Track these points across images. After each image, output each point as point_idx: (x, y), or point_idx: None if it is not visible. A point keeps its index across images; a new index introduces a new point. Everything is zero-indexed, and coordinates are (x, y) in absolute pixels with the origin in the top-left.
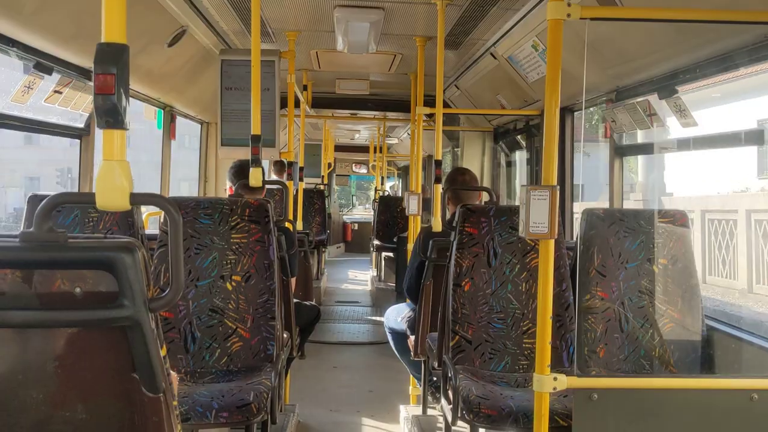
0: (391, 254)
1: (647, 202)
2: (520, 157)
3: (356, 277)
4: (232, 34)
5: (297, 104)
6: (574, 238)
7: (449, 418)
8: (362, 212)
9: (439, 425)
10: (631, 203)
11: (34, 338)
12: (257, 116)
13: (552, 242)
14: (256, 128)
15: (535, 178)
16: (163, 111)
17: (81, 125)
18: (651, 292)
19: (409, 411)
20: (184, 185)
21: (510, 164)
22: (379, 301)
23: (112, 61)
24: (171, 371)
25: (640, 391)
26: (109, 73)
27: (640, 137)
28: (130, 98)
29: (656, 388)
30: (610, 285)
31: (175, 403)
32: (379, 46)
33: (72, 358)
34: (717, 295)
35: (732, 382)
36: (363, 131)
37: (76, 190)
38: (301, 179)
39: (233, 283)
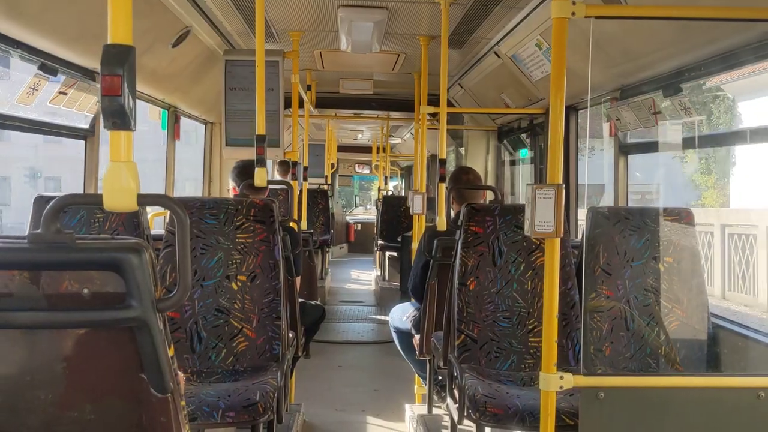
0: (394, 254)
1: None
2: (525, 155)
3: (360, 277)
4: (236, 34)
5: (301, 104)
6: (579, 237)
7: (455, 417)
8: (364, 213)
9: (444, 424)
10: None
11: (42, 339)
12: (262, 116)
13: (557, 241)
14: (260, 128)
15: (539, 177)
16: (167, 111)
17: (86, 126)
18: (657, 291)
19: (414, 410)
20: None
21: (514, 163)
22: (384, 301)
23: (119, 63)
24: (178, 371)
25: (647, 389)
26: (116, 75)
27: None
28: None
29: (662, 387)
30: (616, 283)
31: (182, 403)
32: (382, 46)
33: (80, 359)
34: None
35: (738, 381)
36: (366, 131)
37: (44, 191)
38: (305, 179)
39: (239, 283)
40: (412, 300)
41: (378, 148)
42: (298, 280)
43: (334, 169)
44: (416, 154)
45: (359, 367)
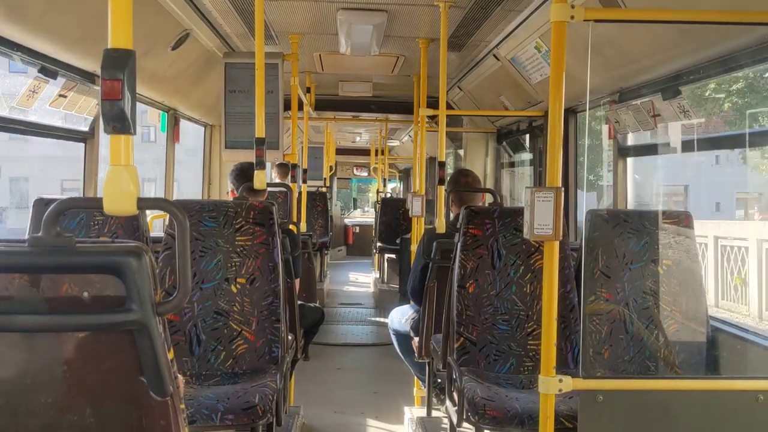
0: (393, 256)
1: None
2: (524, 158)
3: (358, 280)
4: (236, 37)
5: (300, 107)
6: (578, 240)
7: (454, 420)
8: (362, 215)
9: (444, 427)
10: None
11: (41, 342)
12: (261, 119)
13: (556, 243)
14: (260, 131)
15: (539, 180)
16: (167, 114)
17: (85, 129)
18: (656, 293)
19: (413, 412)
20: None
21: (513, 165)
22: (383, 303)
23: (119, 67)
24: (177, 374)
25: (646, 392)
26: (116, 79)
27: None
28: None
29: (662, 390)
30: (615, 286)
31: (182, 406)
32: (381, 48)
33: (80, 362)
34: None
35: (737, 384)
36: (365, 134)
37: (8, 193)
38: (304, 181)
39: (238, 286)
40: (411, 302)
41: (376, 151)
42: (297, 282)
43: (332, 172)
44: (415, 157)
45: (358, 369)
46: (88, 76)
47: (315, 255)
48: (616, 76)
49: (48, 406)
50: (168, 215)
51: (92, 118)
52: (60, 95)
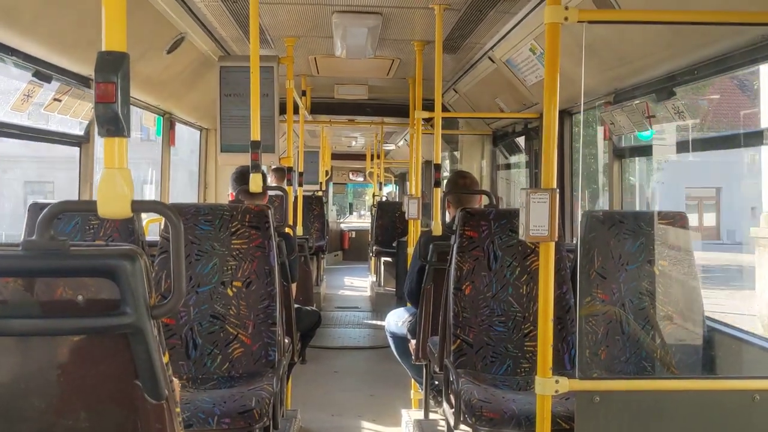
0: (390, 259)
1: None
2: (520, 160)
3: (355, 284)
4: (231, 40)
5: (296, 110)
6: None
7: (451, 422)
8: (358, 219)
9: (441, 429)
10: None
11: (36, 346)
12: (256, 122)
13: (552, 245)
14: (255, 134)
15: (534, 181)
16: (162, 118)
17: (80, 133)
18: (652, 294)
19: (411, 415)
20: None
21: (509, 167)
22: (379, 306)
23: (113, 70)
24: (173, 378)
25: (642, 393)
26: (110, 82)
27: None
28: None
29: (658, 390)
30: (611, 287)
31: (178, 410)
32: (377, 51)
33: (74, 366)
34: None
35: (734, 383)
36: (360, 138)
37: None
38: (300, 184)
39: (234, 289)
40: (408, 305)
41: (372, 155)
42: (293, 285)
43: (328, 177)
44: (411, 159)
45: (355, 372)
46: (83, 80)
47: (311, 258)
48: (610, 77)
49: (42, 410)
50: (164, 219)
51: (87, 122)
52: (54, 99)
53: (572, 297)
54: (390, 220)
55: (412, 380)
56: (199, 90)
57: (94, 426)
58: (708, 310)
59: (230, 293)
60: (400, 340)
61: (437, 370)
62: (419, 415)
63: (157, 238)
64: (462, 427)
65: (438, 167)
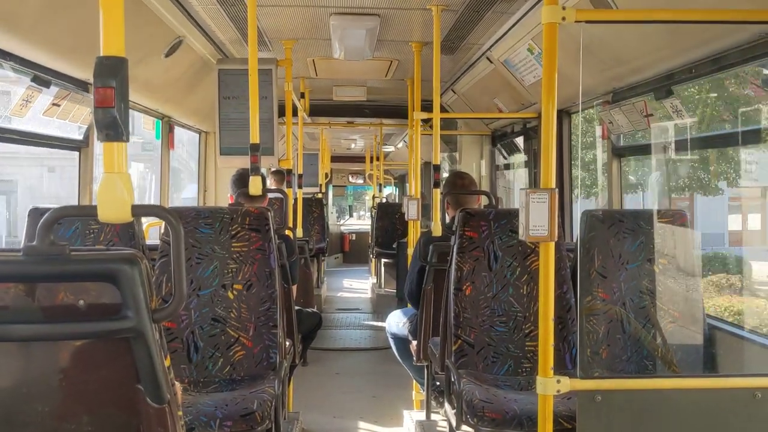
0: (390, 260)
1: None
2: (519, 160)
3: (355, 287)
4: (229, 43)
5: (295, 112)
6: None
7: (453, 423)
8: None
9: (443, 430)
10: None
11: (38, 351)
12: (255, 125)
13: (552, 245)
14: (254, 137)
15: (533, 181)
16: (161, 121)
17: (79, 137)
18: (652, 293)
19: (413, 416)
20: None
21: (508, 167)
22: (380, 308)
23: (112, 75)
24: (175, 381)
25: (644, 391)
26: (109, 87)
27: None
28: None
29: (660, 389)
30: (611, 286)
31: (180, 413)
32: (375, 53)
33: (76, 371)
34: None
35: (735, 381)
36: (359, 140)
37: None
38: (300, 187)
39: (234, 292)
40: (409, 306)
41: (372, 157)
42: (294, 288)
43: (328, 179)
44: (410, 161)
45: (357, 373)
46: (82, 85)
47: (312, 261)
48: (608, 76)
49: (45, 414)
50: (164, 223)
51: (86, 126)
52: (53, 104)
53: (573, 296)
54: (390, 221)
55: (414, 381)
56: (197, 93)
57: (96, 430)
58: None
59: (231, 296)
60: (401, 341)
61: (438, 370)
62: (421, 416)
63: (157, 241)
64: (464, 427)
65: (437, 168)
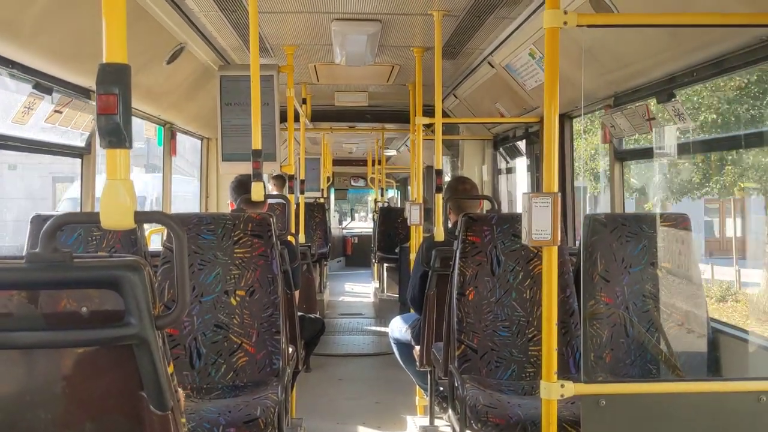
0: (393, 265)
1: None
2: (521, 164)
3: (358, 291)
4: (231, 50)
5: (296, 118)
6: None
7: (457, 428)
8: (361, 225)
9: None
10: None
11: (41, 359)
12: (257, 131)
13: (555, 249)
14: (256, 143)
15: (536, 186)
16: (163, 128)
17: (81, 144)
18: (655, 296)
19: (416, 422)
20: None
21: (510, 171)
22: (383, 313)
23: (114, 82)
24: (178, 388)
25: (648, 395)
26: (112, 94)
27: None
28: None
29: (664, 393)
30: (615, 290)
31: (183, 420)
32: (376, 58)
33: (79, 378)
34: None
35: (739, 385)
36: (361, 144)
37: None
38: (302, 192)
39: (237, 298)
40: (412, 311)
41: (373, 161)
42: (296, 293)
43: (330, 183)
44: (412, 165)
45: (360, 379)
46: (84, 92)
47: (314, 266)
48: (610, 80)
49: (48, 422)
50: (166, 230)
51: (88, 133)
52: (55, 111)
53: (576, 301)
54: (392, 226)
55: (417, 387)
56: (199, 100)
57: None
58: None
59: (234, 302)
60: (404, 347)
61: (442, 375)
62: (424, 421)
63: (159, 248)
64: None
65: (439, 173)
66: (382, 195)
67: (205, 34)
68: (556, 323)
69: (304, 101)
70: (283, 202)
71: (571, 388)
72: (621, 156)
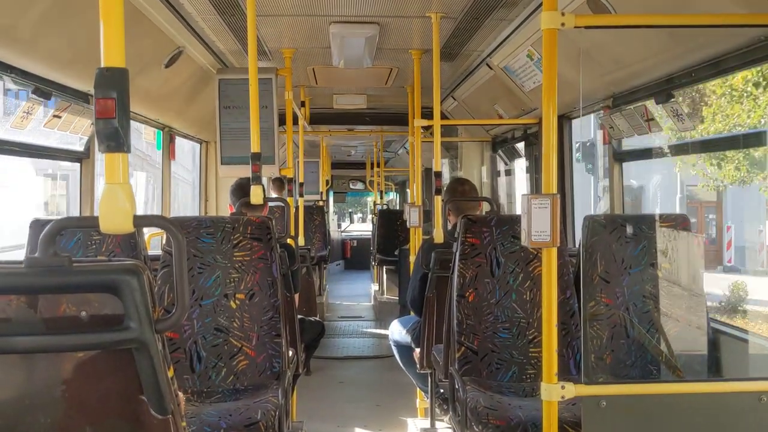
0: (392, 267)
1: None
2: (520, 165)
3: (357, 293)
4: (229, 53)
5: (295, 120)
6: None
7: (458, 430)
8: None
9: None
10: None
11: (40, 363)
12: (256, 134)
13: (554, 250)
14: (255, 146)
15: (535, 187)
16: (162, 131)
17: (80, 148)
18: (655, 297)
19: (417, 424)
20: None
21: (509, 173)
22: (383, 315)
23: (112, 86)
24: (178, 392)
25: (649, 396)
26: (110, 98)
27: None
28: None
29: (665, 393)
30: (615, 291)
31: (183, 424)
32: (375, 61)
33: (79, 382)
34: None
35: (740, 385)
36: (360, 147)
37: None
38: (301, 195)
39: (237, 302)
40: (411, 313)
41: (372, 164)
42: (296, 296)
43: (329, 186)
44: (411, 168)
45: (360, 382)
46: (83, 96)
47: (314, 269)
48: (608, 81)
49: (47, 426)
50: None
51: (87, 138)
52: (54, 116)
53: (576, 302)
54: (391, 228)
55: (417, 389)
56: (198, 103)
57: None
58: None
59: (233, 305)
60: (405, 349)
61: (442, 378)
62: (425, 423)
63: (159, 252)
64: None
65: (438, 175)
66: (381, 198)
67: (203, 37)
68: (556, 324)
69: (302, 104)
70: (283, 205)
71: (571, 390)
72: (620, 157)
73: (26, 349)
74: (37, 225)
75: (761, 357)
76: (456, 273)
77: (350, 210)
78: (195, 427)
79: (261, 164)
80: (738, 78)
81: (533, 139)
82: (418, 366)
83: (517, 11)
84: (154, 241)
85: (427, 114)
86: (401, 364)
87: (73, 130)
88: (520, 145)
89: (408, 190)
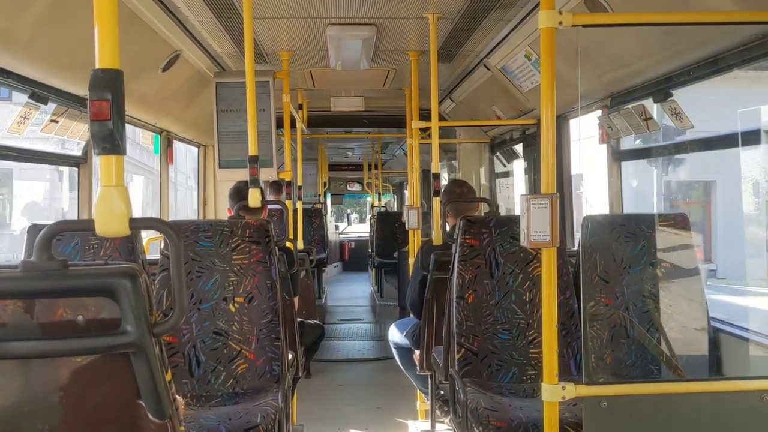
0: (391, 269)
1: None
2: (518, 166)
3: (356, 296)
4: (226, 56)
5: (293, 123)
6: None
7: None
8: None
9: None
10: None
11: (37, 368)
12: (254, 137)
13: (554, 250)
14: (253, 149)
15: (534, 188)
16: (159, 136)
17: (78, 153)
18: (655, 296)
19: (417, 426)
20: None
21: (508, 175)
22: (382, 318)
23: (107, 87)
24: (177, 396)
25: (650, 396)
26: (104, 99)
27: None
28: (126, 124)
29: (666, 393)
30: (614, 291)
31: (182, 428)
32: (372, 63)
33: (76, 387)
34: None
35: (742, 384)
36: (357, 149)
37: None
38: (299, 198)
39: (236, 305)
40: (411, 315)
41: (370, 166)
42: (296, 299)
43: (326, 188)
44: (410, 169)
45: (360, 385)
46: (80, 101)
47: (313, 272)
48: (606, 81)
49: None
50: (163, 237)
51: (84, 142)
52: (51, 120)
53: (576, 302)
54: (390, 231)
55: (418, 391)
56: (195, 107)
57: None
58: None
59: (232, 309)
60: (404, 351)
61: (442, 379)
62: (426, 425)
63: (158, 256)
64: None
65: (437, 176)
66: (379, 199)
67: (200, 40)
68: (556, 325)
69: (300, 107)
70: (281, 208)
71: (572, 390)
72: (619, 156)
73: (23, 355)
74: (34, 230)
75: (763, 355)
76: (455, 274)
77: (348, 211)
78: (194, 431)
79: (259, 167)
80: None
81: (531, 140)
82: (418, 368)
83: (515, 11)
84: (153, 245)
85: (424, 116)
86: (401, 367)
87: (71, 135)
88: (519, 147)
89: (405, 192)
